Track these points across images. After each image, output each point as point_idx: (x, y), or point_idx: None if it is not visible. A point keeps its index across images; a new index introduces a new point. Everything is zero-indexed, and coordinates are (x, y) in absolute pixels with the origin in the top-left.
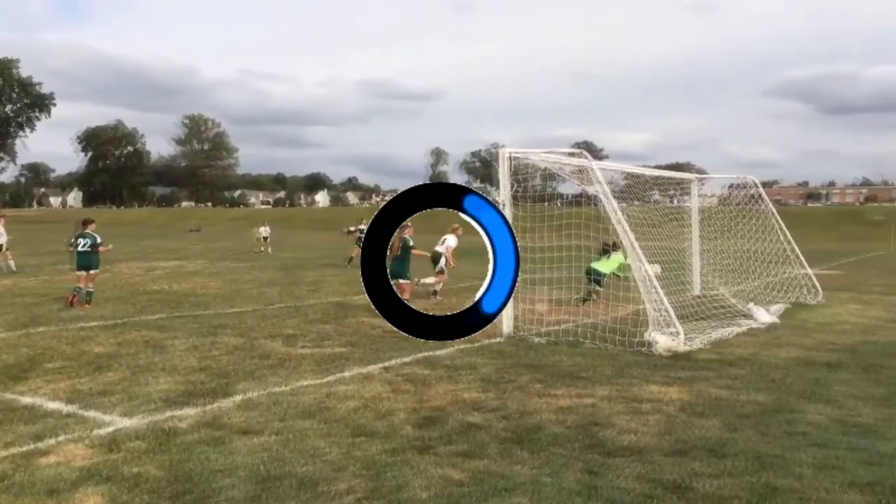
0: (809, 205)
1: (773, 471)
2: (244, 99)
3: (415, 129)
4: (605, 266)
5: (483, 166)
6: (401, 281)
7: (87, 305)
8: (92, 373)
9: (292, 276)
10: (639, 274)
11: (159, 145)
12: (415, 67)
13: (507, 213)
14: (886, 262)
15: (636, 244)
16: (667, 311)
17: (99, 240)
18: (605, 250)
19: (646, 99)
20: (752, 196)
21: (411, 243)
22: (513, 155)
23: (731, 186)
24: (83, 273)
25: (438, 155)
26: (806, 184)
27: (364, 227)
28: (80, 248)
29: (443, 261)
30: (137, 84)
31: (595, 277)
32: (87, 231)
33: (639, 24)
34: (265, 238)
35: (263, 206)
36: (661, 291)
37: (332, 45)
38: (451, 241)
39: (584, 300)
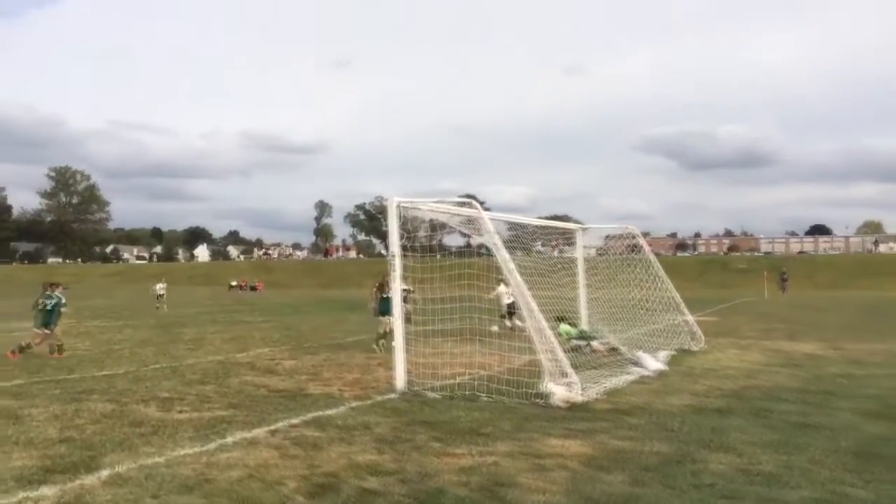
0: (679, 254)
1: None
2: (117, 151)
3: (299, 182)
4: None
5: (368, 219)
6: (387, 317)
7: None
8: None
9: (170, 333)
10: (532, 323)
11: (25, 199)
12: (297, 121)
13: (398, 264)
14: (755, 308)
15: (528, 294)
16: (560, 362)
17: (63, 300)
18: (560, 318)
19: (524, 154)
20: (631, 245)
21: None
22: (402, 204)
23: (607, 237)
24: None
25: (323, 208)
26: (675, 235)
27: (409, 287)
28: (46, 308)
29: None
30: None
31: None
32: (52, 293)
33: (516, 83)
34: (160, 296)
35: (139, 262)
36: (555, 341)
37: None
38: None
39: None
